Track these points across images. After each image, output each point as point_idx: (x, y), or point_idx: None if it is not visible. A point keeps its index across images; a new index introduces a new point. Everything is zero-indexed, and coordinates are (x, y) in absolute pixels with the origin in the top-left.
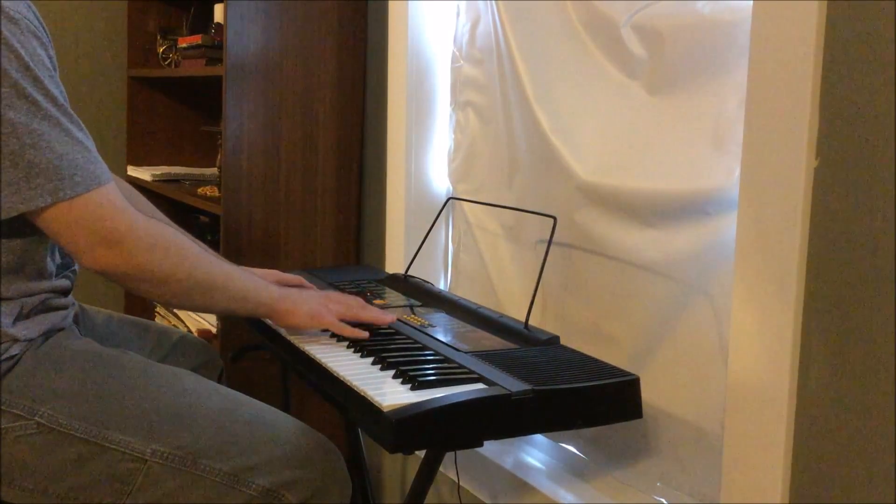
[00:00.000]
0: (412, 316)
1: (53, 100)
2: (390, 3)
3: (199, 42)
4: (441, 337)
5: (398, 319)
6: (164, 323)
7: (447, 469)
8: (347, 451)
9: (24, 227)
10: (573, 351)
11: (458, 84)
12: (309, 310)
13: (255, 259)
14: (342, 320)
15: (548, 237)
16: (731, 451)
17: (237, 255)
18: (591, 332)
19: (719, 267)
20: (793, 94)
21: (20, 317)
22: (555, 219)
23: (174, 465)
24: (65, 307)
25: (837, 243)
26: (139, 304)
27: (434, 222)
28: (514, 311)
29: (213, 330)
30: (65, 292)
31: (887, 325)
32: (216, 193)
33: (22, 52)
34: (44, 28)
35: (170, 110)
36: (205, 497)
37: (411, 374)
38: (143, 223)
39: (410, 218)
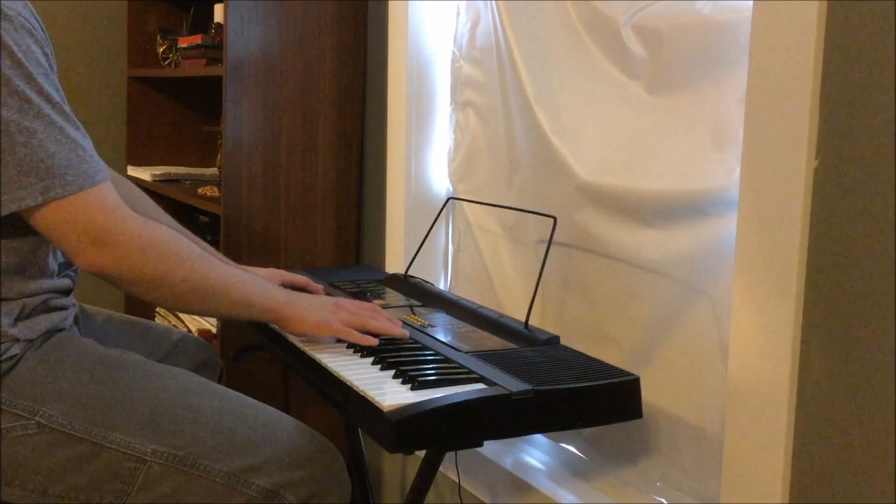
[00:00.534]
0: (412, 316)
1: (47, 98)
2: (390, 3)
3: (199, 42)
4: (441, 337)
5: (399, 319)
6: (165, 323)
7: (447, 469)
8: (347, 451)
9: (26, 226)
10: (573, 351)
11: (458, 84)
12: (317, 317)
13: (255, 259)
14: (349, 327)
15: (548, 237)
16: (731, 451)
17: (237, 255)
18: (591, 332)
19: (719, 267)
20: (793, 94)
21: (21, 317)
22: (555, 219)
23: (174, 465)
24: (65, 307)
25: (837, 243)
26: (139, 304)
27: (434, 222)
28: (514, 311)
29: (213, 330)
30: (66, 292)
31: (887, 324)
32: (216, 193)
33: (15, 49)
34: (41, 26)
35: (170, 110)
36: (205, 497)
37: (411, 374)
38: (136, 224)
39: (410, 218)
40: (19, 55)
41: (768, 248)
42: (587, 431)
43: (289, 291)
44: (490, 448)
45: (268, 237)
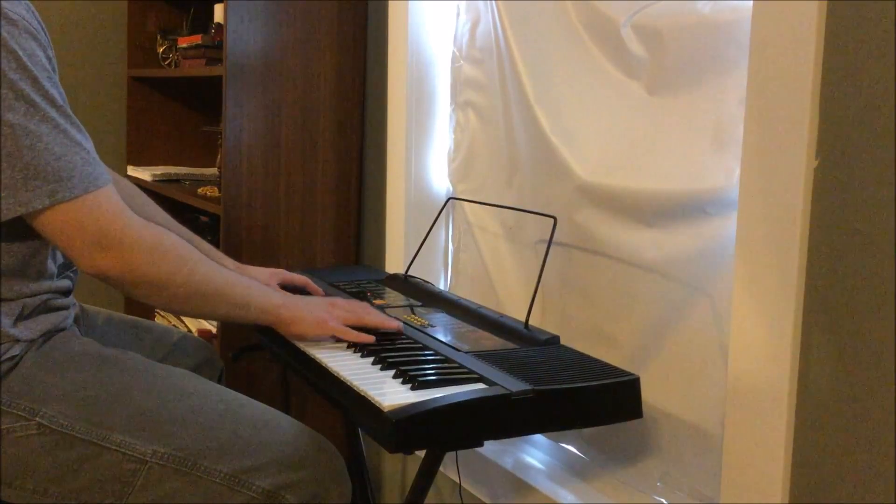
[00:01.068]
0: (412, 316)
1: (52, 101)
2: (390, 3)
3: (199, 42)
4: (441, 337)
5: (399, 319)
6: (165, 323)
7: (447, 469)
8: (347, 451)
9: (26, 229)
10: (573, 351)
11: (458, 84)
12: (314, 318)
13: (255, 259)
14: (347, 325)
15: (548, 237)
16: (731, 451)
17: (237, 255)
18: (591, 332)
19: (719, 267)
20: (793, 94)
21: (21, 317)
22: (555, 219)
23: (174, 466)
24: (65, 307)
25: (837, 243)
26: (139, 304)
27: (434, 222)
28: (514, 311)
29: (213, 330)
30: (66, 292)
31: (887, 324)
32: (216, 193)
33: (20, 53)
34: (43, 29)
35: (170, 110)
36: (205, 498)
37: (411, 374)
38: (140, 227)
39: (410, 218)
40: (24, 59)
41: (768, 248)
42: (587, 431)
43: (285, 294)
44: (490, 448)
45: (268, 237)
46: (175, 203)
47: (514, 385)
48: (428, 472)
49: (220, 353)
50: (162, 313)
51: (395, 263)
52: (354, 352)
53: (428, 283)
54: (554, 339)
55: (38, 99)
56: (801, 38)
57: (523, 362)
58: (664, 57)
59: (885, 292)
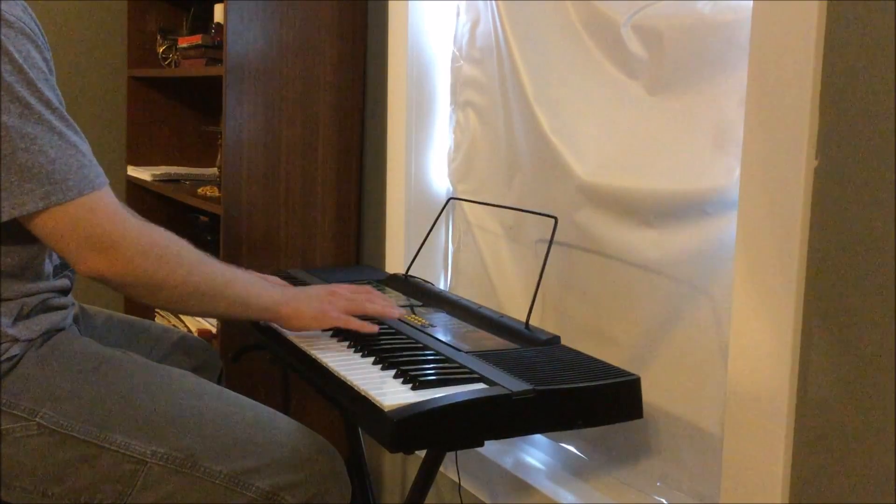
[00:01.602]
0: (412, 316)
1: (48, 103)
2: (390, 3)
3: (199, 42)
4: (442, 337)
5: (399, 319)
6: (165, 323)
7: (447, 469)
8: (348, 451)
9: (23, 233)
10: (573, 351)
11: (458, 84)
12: (314, 311)
13: (255, 259)
14: (348, 313)
15: (548, 237)
16: (731, 451)
17: (237, 255)
18: (591, 332)
19: (719, 267)
20: (793, 94)
21: (20, 317)
22: (555, 219)
23: (174, 466)
24: (64, 307)
25: (837, 243)
26: (140, 304)
27: (434, 222)
28: (515, 311)
29: (213, 330)
30: (64, 291)
31: (887, 324)
32: (216, 193)
33: (16, 54)
34: (40, 31)
35: (170, 110)
36: (205, 499)
37: (412, 373)
38: (136, 228)
39: (410, 218)
40: (20, 61)
41: (768, 248)
42: (587, 431)
43: (284, 289)
44: (490, 448)
45: (268, 237)
46: (175, 203)
47: (514, 385)
48: (428, 472)
49: (219, 354)
50: (162, 313)
51: (395, 263)
52: (355, 351)
53: (428, 283)
54: (554, 339)
55: (33, 101)
56: (801, 38)
57: (524, 362)
58: (664, 57)
59: (885, 291)
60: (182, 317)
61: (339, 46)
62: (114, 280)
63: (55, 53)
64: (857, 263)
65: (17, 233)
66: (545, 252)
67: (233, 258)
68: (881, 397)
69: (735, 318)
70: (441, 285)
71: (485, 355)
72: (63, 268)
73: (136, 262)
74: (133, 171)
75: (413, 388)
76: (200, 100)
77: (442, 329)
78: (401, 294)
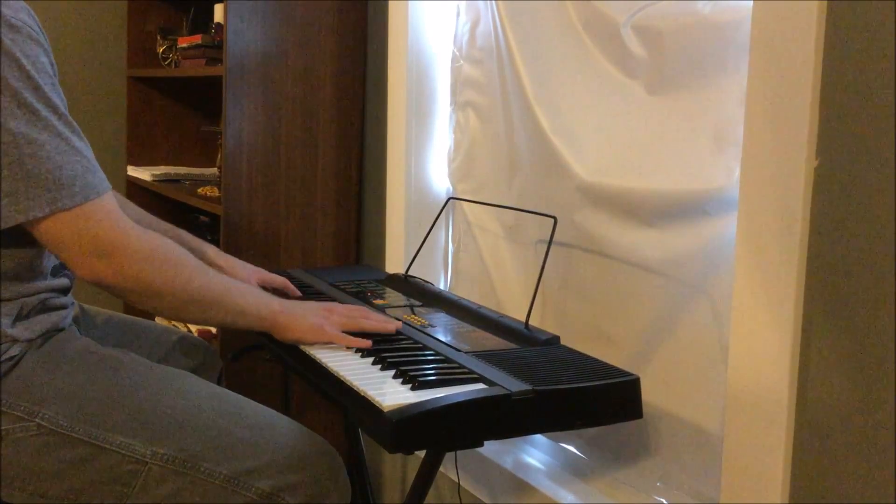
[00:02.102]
0: (412, 316)
1: (54, 108)
2: (390, 3)
3: (199, 42)
4: (441, 337)
5: (399, 319)
6: (164, 323)
7: (447, 469)
8: (347, 452)
9: (25, 233)
10: (573, 351)
11: (458, 84)
12: (310, 325)
13: (255, 259)
14: (345, 331)
15: (548, 237)
16: (731, 451)
17: (237, 255)
18: (591, 332)
19: (719, 267)
20: (793, 94)
21: (20, 317)
22: (555, 219)
23: (174, 467)
24: (64, 307)
25: (837, 243)
26: None
27: (434, 222)
28: (515, 311)
29: (213, 330)
30: (64, 291)
31: (887, 324)
32: (216, 193)
33: (23, 60)
34: (43, 34)
35: (170, 110)
36: (204, 500)
37: (412, 374)
38: (138, 235)
39: (410, 218)
40: (28, 66)
41: (768, 248)
42: (587, 431)
43: (281, 300)
44: (490, 448)
45: (268, 237)
46: (175, 203)
47: (514, 385)
48: (428, 472)
49: (219, 354)
50: None
51: (395, 263)
52: (355, 352)
53: (428, 283)
54: (554, 339)
55: (40, 107)
56: (801, 38)
57: (523, 362)
58: (664, 57)
59: (885, 292)
60: None
61: (339, 46)
62: (115, 286)
63: (55, 54)
64: (857, 263)
65: (16, 234)
66: (545, 252)
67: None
68: (881, 397)
69: (735, 318)
70: (441, 285)
71: (484, 355)
72: (62, 267)
73: (137, 269)
74: (133, 171)
75: (413, 389)
76: (200, 100)
77: (442, 329)
78: (401, 294)
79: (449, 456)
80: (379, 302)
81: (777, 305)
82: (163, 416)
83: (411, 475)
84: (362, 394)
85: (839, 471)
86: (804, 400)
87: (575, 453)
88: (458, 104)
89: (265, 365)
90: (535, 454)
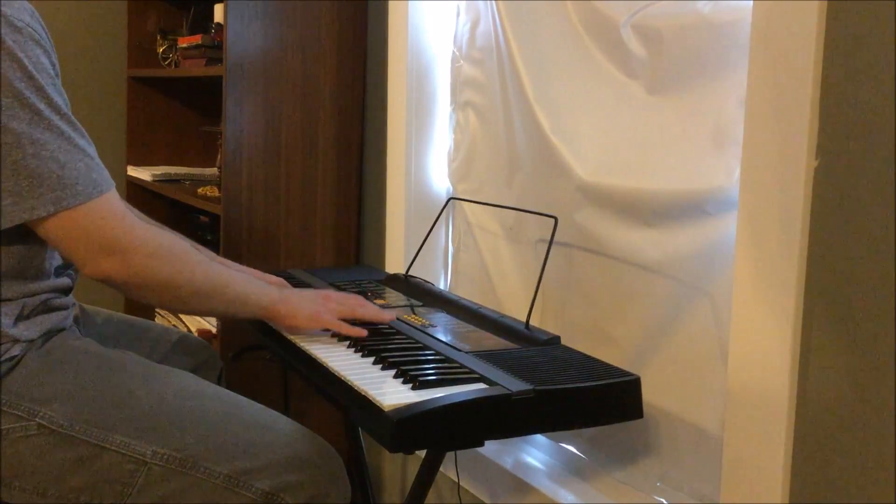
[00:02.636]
0: (413, 316)
1: (56, 108)
2: (390, 3)
3: (199, 42)
4: (442, 337)
5: (399, 319)
6: (164, 323)
7: (447, 469)
8: (348, 451)
9: (28, 235)
10: (574, 351)
11: (458, 84)
12: (309, 311)
13: (255, 259)
14: (341, 319)
15: (548, 237)
16: (731, 451)
17: (237, 255)
18: (592, 332)
19: (719, 267)
20: (793, 94)
21: (21, 317)
22: (556, 219)
23: (174, 467)
24: (65, 307)
25: (837, 243)
26: (140, 304)
27: (434, 222)
28: (515, 311)
29: (213, 330)
30: (65, 291)
31: (887, 323)
32: (216, 193)
33: (25, 61)
34: (46, 34)
35: (170, 110)
36: (204, 499)
37: (412, 373)
38: (143, 230)
39: (410, 218)
40: (29, 67)
41: (768, 248)
42: (587, 431)
43: (280, 289)
44: (490, 448)
45: (268, 237)
46: (175, 203)
47: (514, 385)
48: (428, 472)
49: (219, 354)
50: (162, 313)
51: (395, 263)
52: (355, 351)
53: (428, 283)
54: (554, 339)
55: (42, 107)
56: (801, 38)
57: (524, 362)
58: (664, 57)
59: (885, 292)
60: (182, 316)
61: (339, 46)
62: (121, 282)
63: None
64: (857, 263)
65: (17, 233)
66: (545, 252)
67: (233, 258)
68: (881, 397)
69: (735, 318)
70: (441, 285)
71: (485, 355)
72: (64, 267)
73: (143, 264)
74: (133, 171)
75: (413, 388)
76: (200, 100)
77: (442, 329)
78: (401, 294)
79: (449, 456)
80: (379, 302)
81: (777, 305)
82: (163, 415)
83: (411, 475)
84: (363, 393)
85: (839, 471)
86: (804, 400)
87: (575, 453)
88: (458, 104)
89: (265, 365)
90: (535, 454)
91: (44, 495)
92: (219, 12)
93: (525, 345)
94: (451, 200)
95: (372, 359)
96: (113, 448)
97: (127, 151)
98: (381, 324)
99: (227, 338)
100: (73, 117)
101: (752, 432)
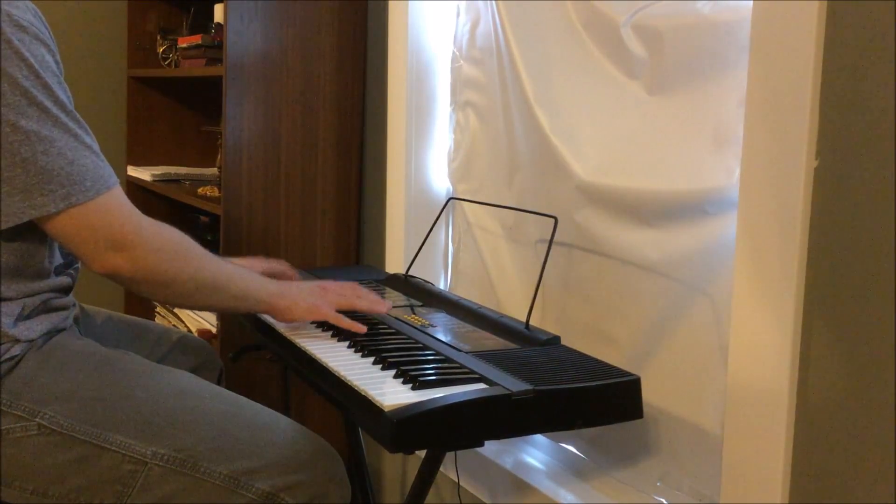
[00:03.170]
0: (413, 316)
1: (62, 105)
2: (390, 3)
3: (199, 42)
4: (442, 337)
5: (399, 319)
6: (164, 323)
7: (447, 469)
8: (348, 452)
9: (24, 229)
10: (574, 351)
11: (458, 84)
12: (307, 304)
13: None
14: (339, 311)
15: (548, 237)
16: (731, 451)
17: (237, 254)
18: (591, 332)
19: (719, 267)
20: (793, 94)
21: (21, 317)
22: (556, 219)
23: (174, 467)
24: (65, 307)
25: (837, 243)
26: (139, 304)
27: (434, 222)
28: (515, 311)
29: (213, 330)
30: (66, 290)
31: (887, 324)
32: (216, 193)
33: (31, 59)
34: (49, 32)
35: (170, 110)
36: (204, 500)
37: (412, 373)
38: (149, 226)
39: (410, 218)
40: (36, 66)
41: (768, 248)
42: (587, 431)
43: (279, 283)
44: (490, 448)
45: (268, 237)
46: (175, 203)
47: (514, 385)
48: (428, 472)
49: (219, 354)
50: (162, 313)
51: (395, 263)
52: (355, 351)
53: (428, 283)
54: (554, 340)
55: (49, 104)
56: (801, 38)
57: (524, 362)
58: (664, 57)
59: (885, 291)
60: (182, 317)
61: (339, 46)
62: (128, 277)
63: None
64: (857, 263)
65: (17, 232)
66: (545, 252)
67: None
68: (881, 397)
69: (735, 318)
70: (441, 285)
71: (485, 355)
72: (64, 267)
73: (150, 260)
74: (133, 171)
75: (413, 388)
76: (200, 100)
77: (442, 329)
78: (401, 294)
79: (449, 456)
80: None
81: (777, 305)
82: (163, 415)
83: (411, 475)
84: (363, 393)
85: (839, 471)
86: (804, 399)
87: (575, 453)
88: (458, 104)
89: (265, 365)
90: (535, 454)
91: (44, 495)
92: (219, 12)
93: (525, 345)
94: (451, 200)
95: (372, 359)
96: (113, 448)
97: (127, 151)
98: (379, 314)
99: (227, 338)
100: (77, 114)
101: (751, 432)
